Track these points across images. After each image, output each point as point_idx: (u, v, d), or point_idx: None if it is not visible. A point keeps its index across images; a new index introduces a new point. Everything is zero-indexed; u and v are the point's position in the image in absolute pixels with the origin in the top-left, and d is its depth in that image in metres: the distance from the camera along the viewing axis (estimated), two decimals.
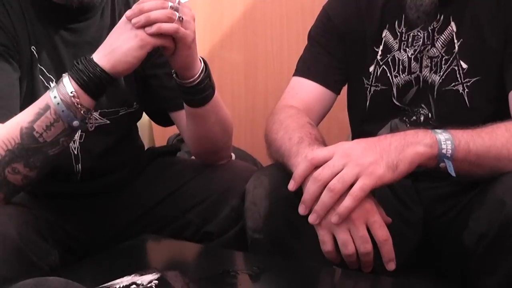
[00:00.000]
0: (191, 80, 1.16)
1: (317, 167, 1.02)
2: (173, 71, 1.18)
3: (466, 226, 1.06)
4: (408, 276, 1.20)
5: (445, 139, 1.01)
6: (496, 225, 0.97)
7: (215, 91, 1.23)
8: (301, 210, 1.03)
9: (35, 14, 1.21)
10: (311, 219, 1.02)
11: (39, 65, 1.21)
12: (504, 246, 0.97)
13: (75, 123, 1.05)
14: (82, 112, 1.05)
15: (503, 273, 0.98)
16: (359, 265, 1.04)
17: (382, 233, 1.01)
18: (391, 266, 1.02)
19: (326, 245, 1.03)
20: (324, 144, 1.10)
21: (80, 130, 1.24)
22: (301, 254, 1.10)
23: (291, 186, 1.04)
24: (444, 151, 1.00)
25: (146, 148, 1.52)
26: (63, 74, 1.06)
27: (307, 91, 1.31)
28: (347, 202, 0.98)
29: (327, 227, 1.02)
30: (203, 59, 1.19)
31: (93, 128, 1.27)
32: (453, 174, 1.00)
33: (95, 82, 1.05)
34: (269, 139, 1.19)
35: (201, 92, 1.19)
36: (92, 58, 1.05)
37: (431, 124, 1.24)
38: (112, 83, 1.08)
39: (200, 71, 1.17)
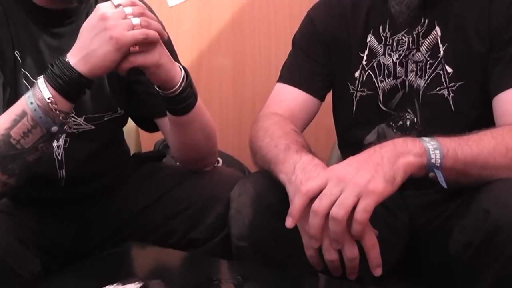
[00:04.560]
0: (173, 90, 1.15)
1: (313, 198, 0.98)
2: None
3: (451, 235, 1.06)
4: (393, 284, 1.20)
5: (434, 148, 1.00)
6: (481, 234, 0.96)
7: (198, 98, 1.22)
8: (314, 244, 1.00)
9: (19, 18, 1.20)
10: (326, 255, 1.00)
11: (23, 70, 1.20)
12: (488, 255, 0.96)
13: (54, 128, 1.04)
14: (60, 117, 1.03)
15: (488, 282, 0.98)
16: (343, 272, 1.02)
17: (369, 238, 0.99)
18: (377, 272, 1.00)
19: (310, 250, 1.01)
20: (310, 151, 1.10)
21: (64, 135, 1.23)
22: (285, 262, 1.10)
23: (289, 223, 0.99)
24: (433, 160, 0.99)
25: (132, 153, 1.51)
26: (38, 78, 1.04)
27: (291, 98, 1.30)
28: (356, 228, 0.95)
29: None
30: (184, 67, 1.18)
31: (77, 134, 1.26)
32: (445, 186, 0.99)
33: (73, 87, 1.03)
34: (254, 146, 1.18)
35: (183, 101, 1.18)
36: (67, 61, 1.03)
37: (416, 128, 1.24)
38: (90, 86, 1.06)
39: (181, 80, 1.15)
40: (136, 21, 1.04)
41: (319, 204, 0.96)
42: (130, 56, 1.05)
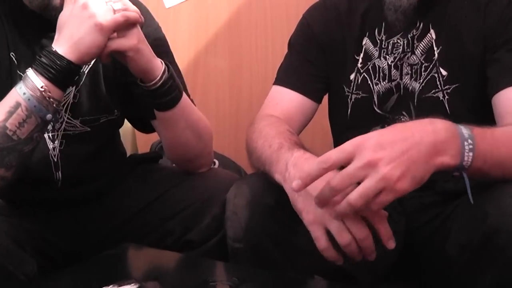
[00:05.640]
0: (154, 82, 1.16)
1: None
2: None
3: (449, 236, 1.05)
4: (390, 286, 1.20)
5: (469, 150, 0.92)
6: (479, 235, 0.96)
7: (183, 94, 1.23)
8: (319, 204, 0.93)
9: (14, 22, 1.21)
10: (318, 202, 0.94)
11: (18, 72, 1.20)
12: (486, 257, 0.96)
13: (48, 116, 1.06)
14: (54, 105, 1.06)
15: (485, 283, 0.97)
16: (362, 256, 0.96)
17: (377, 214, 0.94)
18: (391, 244, 0.96)
19: (320, 241, 0.95)
20: (304, 147, 1.08)
21: (60, 137, 1.23)
22: (281, 264, 1.09)
23: (297, 186, 0.92)
24: (464, 163, 0.93)
25: (128, 155, 1.51)
26: (26, 70, 1.07)
27: (287, 101, 1.30)
28: (367, 214, 0.92)
29: (318, 220, 0.95)
30: (165, 62, 1.19)
31: (73, 135, 1.26)
32: (471, 199, 0.95)
33: (64, 74, 1.06)
34: (250, 148, 1.18)
35: (166, 94, 1.19)
36: (56, 51, 1.06)
37: None
38: (79, 72, 1.10)
39: (162, 72, 1.17)
40: (116, 6, 1.08)
41: (339, 182, 0.89)
42: (108, 41, 1.08)
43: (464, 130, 0.94)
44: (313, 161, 0.95)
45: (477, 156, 0.93)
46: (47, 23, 1.20)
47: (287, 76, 1.33)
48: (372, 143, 0.89)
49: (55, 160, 1.25)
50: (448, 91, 1.21)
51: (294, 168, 1.00)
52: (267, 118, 1.24)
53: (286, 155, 1.04)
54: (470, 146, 0.93)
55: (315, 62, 1.32)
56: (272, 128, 1.16)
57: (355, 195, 0.88)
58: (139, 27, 1.12)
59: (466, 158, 0.92)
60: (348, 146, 0.90)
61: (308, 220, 0.97)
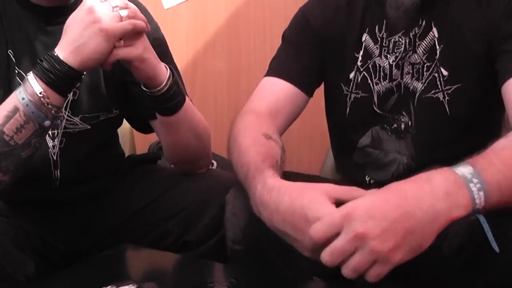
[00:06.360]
0: (159, 88, 1.16)
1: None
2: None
3: (446, 238, 1.05)
4: (386, 286, 1.20)
5: (478, 190, 0.84)
6: (476, 237, 0.95)
7: (186, 98, 1.23)
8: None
9: (13, 18, 1.20)
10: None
11: (17, 69, 1.20)
12: (482, 259, 0.96)
13: (47, 123, 1.05)
14: (53, 111, 1.04)
15: (481, 286, 0.98)
16: None
17: None
18: None
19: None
20: (275, 163, 1.02)
21: (60, 135, 1.23)
22: (280, 266, 1.09)
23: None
24: (477, 206, 0.85)
25: (126, 155, 1.50)
26: (27, 73, 1.05)
27: (277, 91, 1.26)
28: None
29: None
30: (170, 67, 1.19)
31: (73, 133, 1.26)
32: (496, 248, 0.88)
33: (64, 80, 1.04)
34: (229, 157, 1.13)
35: (170, 99, 1.18)
36: (57, 55, 1.04)
37: (410, 132, 1.23)
38: (81, 79, 1.07)
39: (167, 79, 1.16)
40: (124, 13, 1.06)
41: (329, 259, 0.84)
42: (114, 49, 1.06)
43: (464, 169, 0.86)
44: (275, 193, 0.92)
45: (490, 191, 0.85)
46: (44, 17, 1.20)
47: (279, 67, 1.29)
48: (361, 213, 0.82)
49: (55, 158, 1.25)
50: (449, 91, 1.19)
51: (264, 210, 0.95)
52: (247, 116, 1.19)
53: (252, 188, 0.98)
54: (478, 185, 0.85)
55: (310, 55, 1.28)
56: (246, 135, 1.11)
57: (347, 271, 0.84)
58: (145, 36, 1.11)
59: (478, 201, 0.85)
60: (336, 217, 0.84)
61: (301, 250, 0.92)
